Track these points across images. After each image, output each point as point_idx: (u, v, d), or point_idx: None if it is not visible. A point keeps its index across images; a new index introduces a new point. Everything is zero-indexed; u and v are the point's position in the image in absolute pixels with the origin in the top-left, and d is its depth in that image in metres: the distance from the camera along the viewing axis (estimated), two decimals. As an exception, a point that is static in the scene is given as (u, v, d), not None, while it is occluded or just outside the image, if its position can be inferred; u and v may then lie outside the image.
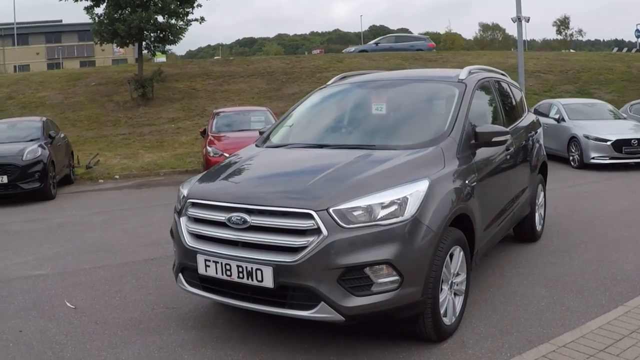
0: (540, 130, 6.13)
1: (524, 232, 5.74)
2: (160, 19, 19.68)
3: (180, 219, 3.65)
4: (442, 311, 3.44)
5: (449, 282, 3.54)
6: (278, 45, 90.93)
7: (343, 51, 31.36)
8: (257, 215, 3.24)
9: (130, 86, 20.22)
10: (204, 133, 12.01)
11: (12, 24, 51.28)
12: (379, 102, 4.56)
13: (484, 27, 74.65)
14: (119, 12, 19.22)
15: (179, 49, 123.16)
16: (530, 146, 5.52)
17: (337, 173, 3.46)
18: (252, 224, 3.24)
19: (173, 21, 19.88)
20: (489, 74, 5.08)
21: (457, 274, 3.66)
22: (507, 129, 4.17)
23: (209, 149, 10.35)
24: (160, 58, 33.89)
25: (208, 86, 21.48)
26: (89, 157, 14.55)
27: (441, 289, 3.44)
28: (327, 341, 3.58)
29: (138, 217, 8.21)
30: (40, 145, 10.22)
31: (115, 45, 21.03)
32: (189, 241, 3.52)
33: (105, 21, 19.12)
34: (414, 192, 3.25)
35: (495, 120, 4.75)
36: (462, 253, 3.64)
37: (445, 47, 55.61)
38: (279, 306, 3.20)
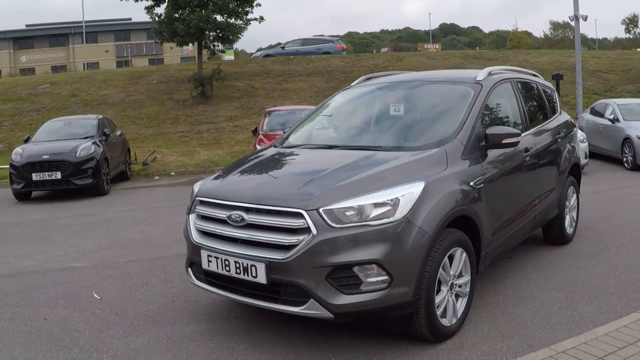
0: (574, 132, 5.94)
1: (553, 234, 5.57)
2: (219, 18, 20.24)
3: (190, 216, 3.84)
4: (439, 312, 3.44)
5: (449, 283, 3.53)
6: (348, 43, 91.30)
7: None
8: (254, 213, 3.37)
9: (190, 85, 20.93)
10: (255, 132, 12.26)
11: (81, 22, 53.81)
12: (397, 104, 4.57)
13: (555, 26, 71.65)
14: (179, 11, 19.91)
15: (249, 46, 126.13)
16: (558, 148, 5.36)
17: (334, 174, 3.53)
18: (249, 222, 3.38)
19: (232, 20, 20.38)
20: (513, 75, 4.99)
21: (460, 276, 3.64)
22: (518, 131, 4.07)
23: (258, 147, 10.59)
24: (229, 56, 34.86)
25: (267, 85, 21.86)
26: (146, 154, 15.20)
27: (439, 290, 3.44)
28: (327, 337, 3.66)
29: (182, 214, 8.45)
30: (94, 143, 10.81)
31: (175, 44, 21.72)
32: (195, 237, 3.70)
33: (165, 20, 19.87)
34: (407, 193, 3.27)
35: (513, 122, 4.66)
36: (464, 255, 3.62)
37: (512, 45, 54.04)
38: (273, 301, 3.32)
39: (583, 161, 10.58)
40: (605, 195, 8.39)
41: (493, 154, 4.07)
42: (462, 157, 3.78)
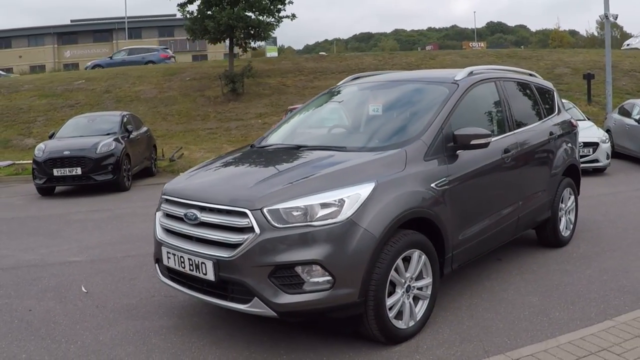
0: (573, 133, 5.75)
1: (546, 237, 5.43)
2: (251, 15, 20.43)
3: (157, 213, 3.93)
4: (391, 314, 3.41)
5: (404, 285, 3.49)
6: (394, 40, 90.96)
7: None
8: (207, 212, 3.43)
9: (221, 82, 21.24)
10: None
11: (124, 18, 55.17)
12: (376, 104, 4.55)
13: (601, 25, 68.99)
14: (211, 9, 20.21)
15: (296, 43, 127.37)
16: (550, 148, 5.21)
17: (287, 173, 3.55)
18: (202, 220, 3.44)
19: (263, 18, 20.54)
20: (499, 74, 4.87)
21: (419, 278, 3.60)
22: (489, 132, 3.96)
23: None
24: (272, 52, 35.20)
25: (298, 82, 21.96)
26: (173, 151, 15.52)
27: (392, 292, 3.42)
28: (284, 336, 3.70)
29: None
30: (115, 139, 11.11)
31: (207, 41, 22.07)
32: (159, 234, 3.79)
33: (198, 17, 20.22)
34: (353, 194, 3.26)
35: (493, 122, 4.55)
36: (423, 257, 3.57)
37: (554, 45, 52.52)
38: (223, 299, 3.39)
39: (604, 162, 10.25)
40: (620, 196, 8.07)
41: (464, 155, 3.99)
42: (424, 158, 3.73)
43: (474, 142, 3.86)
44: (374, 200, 3.30)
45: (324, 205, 3.21)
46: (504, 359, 3.21)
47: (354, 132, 4.40)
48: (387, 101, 4.55)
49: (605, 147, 10.25)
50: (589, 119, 11.82)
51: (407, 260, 3.51)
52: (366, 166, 3.56)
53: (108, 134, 11.44)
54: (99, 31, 58.47)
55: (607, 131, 12.48)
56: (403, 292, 3.49)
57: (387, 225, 3.29)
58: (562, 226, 5.47)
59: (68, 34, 57.66)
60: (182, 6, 20.44)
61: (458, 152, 3.96)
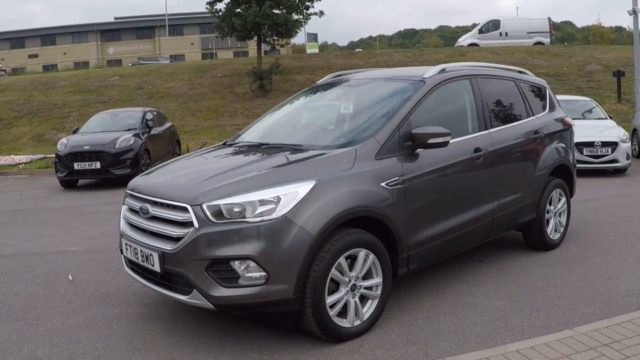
0: (565, 132, 5.57)
1: (532, 239, 5.29)
2: (278, 13, 20.60)
3: (122, 207, 4.07)
4: (333, 312, 3.42)
5: (349, 284, 3.50)
6: (438, 37, 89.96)
7: None
8: (157, 206, 3.55)
9: (250, 78, 21.52)
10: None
11: (169, 15, 56.37)
12: (347, 102, 4.55)
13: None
14: (240, 7, 20.50)
15: (340, 39, 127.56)
16: (535, 147, 5.08)
17: (234, 171, 3.62)
18: (152, 214, 3.56)
19: (290, 15, 20.68)
20: (475, 72, 4.78)
21: (367, 278, 3.60)
22: (447, 131, 3.89)
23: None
24: (313, 49, 35.41)
25: None
26: (197, 146, 15.83)
27: (335, 290, 3.44)
28: (234, 329, 3.77)
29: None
30: (135, 135, 11.45)
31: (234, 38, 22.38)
32: (121, 227, 3.93)
33: (228, 14, 20.55)
34: (291, 192, 3.29)
35: (464, 120, 4.48)
36: (371, 256, 3.56)
37: (594, 41, 50.74)
38: (168, 289, 3.50)
39: (624, 162, 9.89)
40: (633, 198, 7.74)
41: (426, 154, 3.95)
42: (376, 156, 3.71)
43: (431, 141, 3.82)
44: (313, 198, 3.32)
45: (262, 202, 3.25)
46: (440, 364, 3.18)
47: (315, 131, 4.43)
48: (355, 100, 4.54)
49: (625, 147, 9.87)
50: (611, 118, 11.39)
51: (353, 259, 3.51)
52: (311, 164, 3.58)
53: (129, 130, 11.78)
54: (141, 28, 59.97)
55: (634, 131, 12.00)
56: (347, 290, 3.49)
57: (326, 224, 3.30)
58: (549, 229, 5.33)
59: (111, 31, 59.43)
60: (210, 4, 20.81)
61: (419, 151, 3.94)
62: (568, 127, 5.65)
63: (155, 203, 3.57)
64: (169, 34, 54.01)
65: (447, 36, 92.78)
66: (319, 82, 5.30)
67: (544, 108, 5.47)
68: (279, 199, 3.26)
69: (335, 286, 3.47)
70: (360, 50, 37.51)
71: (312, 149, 3.84)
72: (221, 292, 3.24)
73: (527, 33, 28.27)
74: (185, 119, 19.31)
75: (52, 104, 20.30)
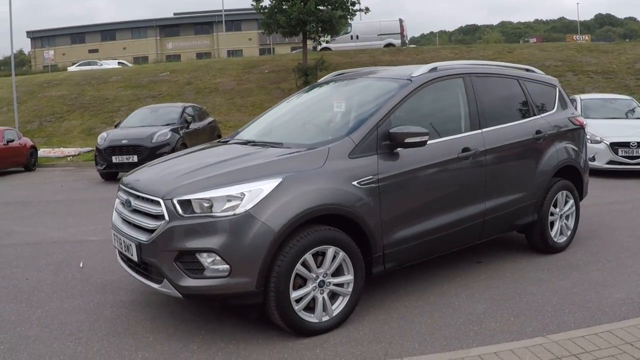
0: (572, 132, 5.37)
1: (534, 242, 5.16)
2: (323, 9, 20.70)
3: (116, 200, 4.29)
4: (299, 306, 3.49)
5: (317, 280, 3.55)
6: (499, 33, 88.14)
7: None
8: (139, 200, 3.73)
9: (295, 74, 21.79)
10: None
11: (227, 10, 57.49)
12: (339, 101, 4.60)
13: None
14: (285, 3, 20.77)
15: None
16: (536, 148, 4.94)
17: (211, 167, 3.75)
18: (134, 206, 3.75)
19: (336, 12, 20.76)
20: (471, 70, 4.69)
21: (337, 275, 3.64)
22: (426, 130, 3.85)
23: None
24: None
25: None
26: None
27: (302, 285, 3.51)
28: (212, 318, 3.92)
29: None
30: (172, 130, 11.86)
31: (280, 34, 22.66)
32: (113, 219, 4.14)
33: (274, 11, 20.87)
34: (255, 189, 3.39)
35: (453, 120, 4.43)
36: (342, 254, 3.60)
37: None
38: (146, 278, 3.68)
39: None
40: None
41: (407, 153, 3.95)
42: (350, 155, 3.74)
43: (408, 140, 3.81)
44: (278, 195, 3.40)
45: (229, 198, 3.37)
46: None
47: (299, 129, 4.49)
48: (344, 98, 4.57)
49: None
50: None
51: (323, 255, 3.56)
52: (281, 162, 3.66)
53: (167, 125, 12.21)
54: (200, 24, 61.45)
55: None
56: (315, 286, 3.55)
57: (289, 221, 3.37)
58: (554, 231, 5.16)
59: (170, 27, 61.18)
60: (256, 1, 21.14)
61: (401, 150, 3.93)
62: (578, 127, 5.45)
63: (137, 197, 3.76)
64: (227, 30, 55.05)
65: (508, 32, 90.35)
66: (320, 80, 5.36)
67: (551, 107, 5.30)
68: (243, 195, 3.37)
69: (303, 281, 3.53)
70: (414, 46, 37.03)
71: (290, 147, 3.92)
72: (188, 282, 3.39)
73: (378, 35, 28.85)
74: (231, 114, 19.76)
75: (104, 98, 21.27)
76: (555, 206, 5.16)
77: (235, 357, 3.36)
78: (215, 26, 59.89)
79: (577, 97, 11.58)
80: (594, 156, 9.67)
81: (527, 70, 5.40)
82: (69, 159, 15.35)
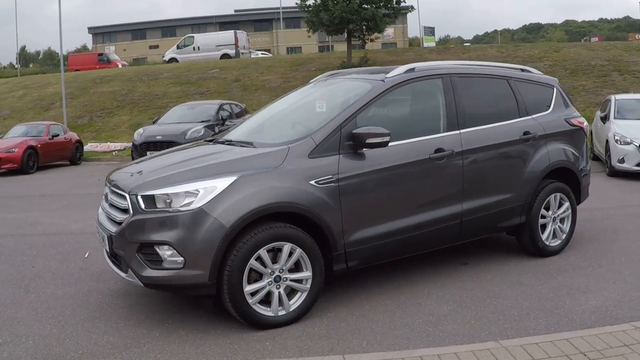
0: (573, 133, 5.21)
1: (524, 244, 5.05)
2: (367, 8, 20.71)
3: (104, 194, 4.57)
4: (253, 300, 3.61)
5: (272, 275, 3.66)
6: (562, 31, 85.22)
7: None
8: (114, 195, 3.97)
9: (339, 72, 21.89)
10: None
11: (286, 8, 57.99)
12: (320, 101, 4.68)
13: None
14: (329, 2, 20.93)
15: (466, 33, 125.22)
16: (522, 149, 4.82)
17: (181, 164, 3.96)
18: (110, 201, 4.00)
19: (380, 11, 20.75)
20: (453, 70, 4.65)
21: (295, 271, 3.74)
22: (387, 131, 3.86)
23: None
24: (429, 43, 35.29)
25: None
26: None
27: (257, 279, 3.63)
28: (180, 309, 4.09)
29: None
30: (207, 126, 12.23)
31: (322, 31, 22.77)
32: (98, 213, 4.41)
33: (317, 9, 21.09)
34: (210, 186, 3.54)
35: (427, 120, 4.41)
36: (299, 250, 3.69)
37: None
38: (117, 267, 3.91)
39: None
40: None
41: (374, 153, 3.98)
42: (309, 155, 3.82)
43: (369, 140, 3.85)
44: (231, 192, 3.54)
45: (188, 194, 3.54)
46: (338, 359, 3.23)
47: (275, 129, 4.59)
48: (325, 98, 4.64)
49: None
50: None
51: (277, 251, 3.67)
52: (241, 161, 3.80)
53: (203, 122, 12.61)
54: (259, 21, 62.30)
55: None
56: (270, 281, 3.66)
57: (241, 217, 3.51)
58: (545, 234, 5.01)
59: (230, 24, 62.29)
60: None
61: (368, 150, 3.97)
62: (576, 128, 5.25)
63: (112, 191, 4.00)
64: (287, 27, 55.51)
65: (572, 31, 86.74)
66: (312, 80, 5.44)
67: (546, 107, 5.15)
68: (198, 192, 3.54)
69: (259, 276, 3.66)
70: (469, 44, 36.37)
71: (258, 147, 4.05)
72: (149, 272, 3.60)
73: (216, 46, 31.43)
74: (273, 111, 20.05)
75: (153, 94, 22.13)
76: (547, 209, 5.02)
77: (189, 345, 3.53)
78: (274, 23, 60.56)
79: (612, 97, 11.07)
80: (623, 158, 9.23)
81: (522, 70, 5.27)
82: (114, 153, 16.11)
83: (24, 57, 72.25)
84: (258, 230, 3.59)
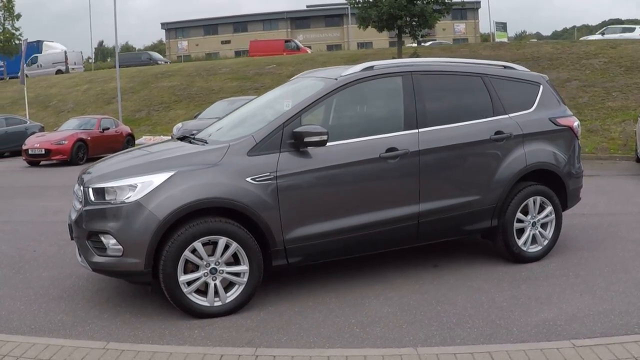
0: (559, 134, 4.94)
1: (498, 249, 4.87)
2: (416, 3, 20.43)
3: None
4: (188, 289, 3.77)
5: (208, 267, 3.79)
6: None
7: None
8: (77, 186, 4.25)
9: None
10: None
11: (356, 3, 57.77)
12: (287, 100, 4.78)
13: None
14: None
15: (545, 29, 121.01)
16: (492, 149, 4.63)
17: (133, 160, 4.20)
18: (75, 192, 4.29)
19: (429, 7, 20.40)
20: (418, 68, 4.56)
21: (232, 264, 3.85)
22: (324, 130, 3.88)
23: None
24: (502, 38, 34.57)
25: None
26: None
27: (194, 270, 3.78)
28: (143, 297, 4.28)
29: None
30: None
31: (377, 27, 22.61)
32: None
33: (366, 5, 21.04)
34: (147, 181, 3.74)
35: (380, 119, 4.37)
36: (234, 245, 3.80)
37: None
38: (78, 253, 4.17)
39: None
40: None
41: (319, 152, 4.02)
42: (248, 153, 3.91)
43: (307, 139, 3.89)
44: (167, 187, 3.72)
45: (130, 188, 3.76)
46: (250, 352, 3.30)
47: (233, 127, 4.68)
48: (290, 97, 4.72)
49: None
50: None
51: (212, 244, 3.80)
52: (183, 157, 4.01)
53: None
54: (330, 16, 62.48)
55: None
56: (206, 272, 3.80)
57: (174, 210, 3.67)
58: (522, 240, 4.78)
59: (301, 19, 62.93)
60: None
61: (313, 149, 4.01)
62: (563, 129, 4.97)
63: (78, 184, 4.29)
64: (351, 23, 55.45)
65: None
66: (291, 80, 5.51)
67: (528, 106, 4.90)
68: (136, 185, 3.74)
69: (196, 267, 3.80)
70: (534, 41, 34.94)
71: (211, 144, 4.22)
72: (96, 259, 3.86)
73: (53, 63, 35.18)
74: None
75: (210, 89, 22.86)
76: (526, 213, 4.81)
77: (127, 327, 3.78)
78: (345, 18, 60.62)
79: None
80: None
81: (505, 67, 5.05)
82: (164, 146, 16.81)
83: (102, 52, 76.52)
84: (193, 223, 3.73)
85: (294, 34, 62.34)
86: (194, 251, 3.76)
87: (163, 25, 66.51)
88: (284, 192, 3.92)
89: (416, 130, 4.36)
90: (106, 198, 3.81)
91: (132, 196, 3.72)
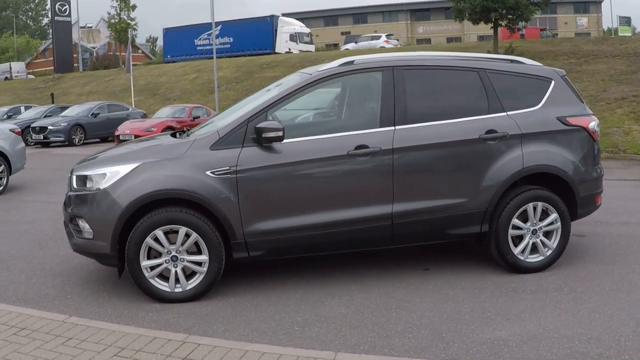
0: (568, 135, 4.49)
1: (492, 256, 4.55)
2: None
3: None
4: (150, 274, 3.98)
5: (169, 255, 3.97)
6: None
7: None
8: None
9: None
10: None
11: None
12: (270, 94, 4.82)
13: None
14: None
15: None
16: (483, 150, 4.32)
17: (116, 150, 4.54)
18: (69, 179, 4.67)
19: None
20: (402, 63, 4.37)
21: (194, 253, 4.00)
22: (280, 126, 3.87)
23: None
24: (625, 33, 32.23)
25: (566, 66, 19.79)
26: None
27: (158, 257, 3.98)
28: (121, 280, 4.47)
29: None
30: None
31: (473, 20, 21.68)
32: None
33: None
34: (114, 170, 4.02)
35: (352, 116, 4.26)
36: (194, 235, 3.94)
37: None
38: None
39: None
40: None
41: (284, 147, 4.05)
42: (211, 147, 4.02)
43: (265, 135, 3.93)
44: (132, 177, 3.97)
45: (101, 176, 4.06)
46: (181, 337, 3.43)
47: (216, 122, 4.76)
48: (272, 92, 4.72)
49: None
50: None
51: (173, 233, 3.97)
52: (151, 149, 4.28)
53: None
54: (449, 8, 60.43)
55: None
56: (167, 259, 3.99)
57: (136, 199, 3.90)
58: (519, 248, 4.40)
59: (421, 11, 61.45)
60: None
61: (278, 144, 4.04)
62: (574, 129, 4.47)
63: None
64: (447, 17, 53.49)
65: None
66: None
67: (534, 103, 4.49)
68: (104, 175, 4.04)
69: (159, 254, 4.01)
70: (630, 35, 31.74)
71: (180, 138, 4.42)
72: (75, 240, 4.23)
73: (2, 72, 44.07)
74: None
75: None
76: (525, 219, 4.44)
77: (95, 305, 4.09)
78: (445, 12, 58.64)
79: None
80: None
81: (512, 61, 4.66)
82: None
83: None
84: (154, 212, 3.94)
85: (413, 26, 61.22)
86: (156, 239, 3.97)
87: (283, 15, 68.31)
88: (243, 186, 3.99)
89: (392, 128, 4.20)
90: (87, 185, 4.14)
91: (102, 184, 4.02)
